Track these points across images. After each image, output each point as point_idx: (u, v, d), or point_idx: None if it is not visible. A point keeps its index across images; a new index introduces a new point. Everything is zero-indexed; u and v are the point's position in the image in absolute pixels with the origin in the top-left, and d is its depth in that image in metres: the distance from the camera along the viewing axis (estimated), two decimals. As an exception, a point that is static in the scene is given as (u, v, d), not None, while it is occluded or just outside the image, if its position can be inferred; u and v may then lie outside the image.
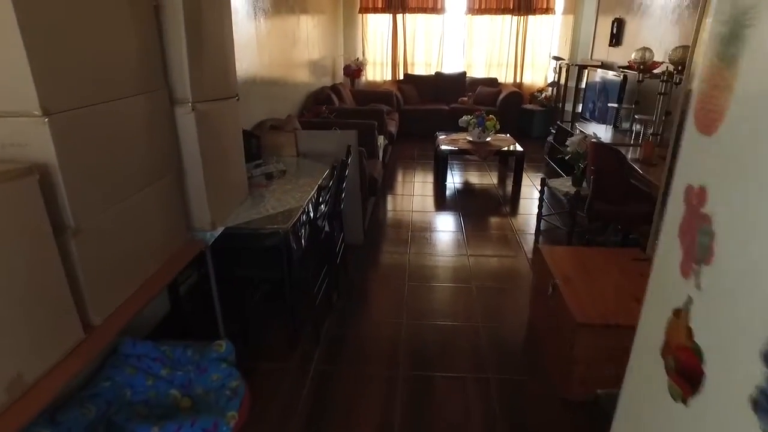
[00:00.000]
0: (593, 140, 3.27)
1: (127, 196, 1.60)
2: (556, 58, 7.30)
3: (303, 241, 2.38)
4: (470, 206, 4.69)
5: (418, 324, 2.79)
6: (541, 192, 4.09)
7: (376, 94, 7.15)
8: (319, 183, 2.70)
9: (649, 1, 4.73)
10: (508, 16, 7.90)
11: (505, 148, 5.29)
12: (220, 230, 2.09)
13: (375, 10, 7.98)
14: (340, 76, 7.74)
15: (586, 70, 5.58)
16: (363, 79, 8.14)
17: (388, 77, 8.32)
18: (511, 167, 5.60)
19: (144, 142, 1.68)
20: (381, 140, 5.21)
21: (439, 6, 7.89)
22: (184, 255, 1.92)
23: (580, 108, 5.91)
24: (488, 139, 5.44)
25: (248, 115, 3.68)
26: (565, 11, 7.60)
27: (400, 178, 5.62)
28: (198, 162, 1.94)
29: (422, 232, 4.06)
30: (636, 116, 4.02)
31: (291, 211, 2.31)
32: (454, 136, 5.73)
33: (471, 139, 5.45)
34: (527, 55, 8.13)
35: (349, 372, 2.38)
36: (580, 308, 2.12)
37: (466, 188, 5.32)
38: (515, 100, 7.31)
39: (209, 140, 2.00)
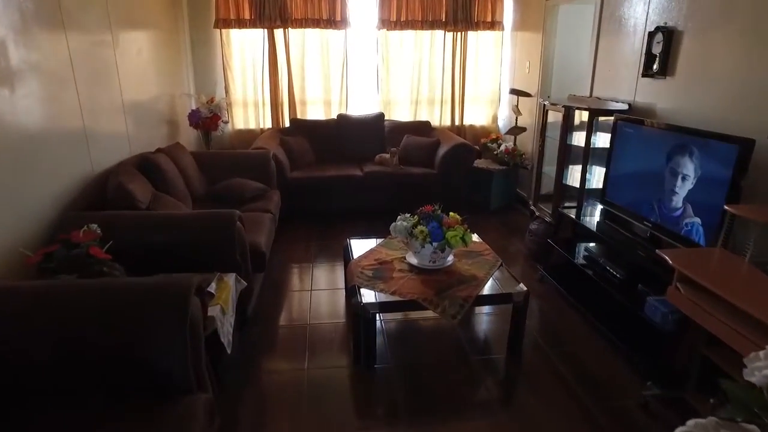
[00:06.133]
0: None
1: None
2: (517, 93, 4.90)
3: None
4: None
5: None
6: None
7: (241, 160, 4.24)
8: None
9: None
10: (439, 32, 5.40)
11: (491, 291, 2.63)
12: None
13: (240, 24, 5.13)
14: (187, 129, 4.79)
15: (612, 119, 3.10)
16: (228, 128, 5.24)
17: (268, 123, 5.48)
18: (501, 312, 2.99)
19: None
20: (232, 287, 2.37)
21: (338, 17, 5.22)
22: None
23: (591, 178, 3.44)
24: (450, 260, 2.79)
25: None
26: (520, 27, 5.25)
27: (285, 364, 2.76)
28: None
29: None
30: None
31: None
32: (382, 249, 3.01)
33: (416, 262, 2.76)
34: (468, 87, 5.67)
35: None
36: None
37: (410, 366, 2.56)
38: (463, 157, 4.77)
39: None
